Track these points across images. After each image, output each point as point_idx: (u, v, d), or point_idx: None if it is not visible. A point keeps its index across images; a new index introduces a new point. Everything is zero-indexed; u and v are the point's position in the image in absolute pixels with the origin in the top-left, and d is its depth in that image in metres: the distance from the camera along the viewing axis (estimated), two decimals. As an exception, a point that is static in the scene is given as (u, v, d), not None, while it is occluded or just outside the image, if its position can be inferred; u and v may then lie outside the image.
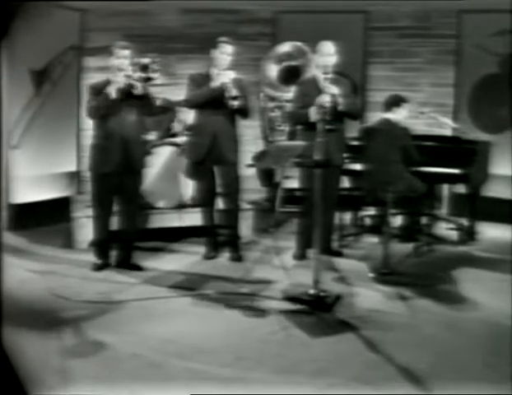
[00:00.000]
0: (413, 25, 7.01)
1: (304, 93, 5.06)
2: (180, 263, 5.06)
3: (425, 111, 6.00)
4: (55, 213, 6.15)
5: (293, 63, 5.59)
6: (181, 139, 5.89)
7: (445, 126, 6.28)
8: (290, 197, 6.54)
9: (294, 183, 6.49)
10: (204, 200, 5.22)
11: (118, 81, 4.54)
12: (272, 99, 6.31)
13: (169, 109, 6.08)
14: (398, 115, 5.24)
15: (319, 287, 4.13)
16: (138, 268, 4.84)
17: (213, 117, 4.97)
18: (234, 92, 4.83)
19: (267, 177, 6.54)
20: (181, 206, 5.72)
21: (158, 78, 4.59)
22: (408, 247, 5.41)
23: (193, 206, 5.69)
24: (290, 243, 5.44)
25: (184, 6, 6.84)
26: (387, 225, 4.97)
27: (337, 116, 4.90)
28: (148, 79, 4.56)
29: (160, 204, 5.70)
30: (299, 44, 5.24)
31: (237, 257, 5.16)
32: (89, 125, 6.17)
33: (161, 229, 5.62)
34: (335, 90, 4.89)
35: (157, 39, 6.68)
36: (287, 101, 6.14)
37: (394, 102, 5.28)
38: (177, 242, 5.67)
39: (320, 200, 5.07)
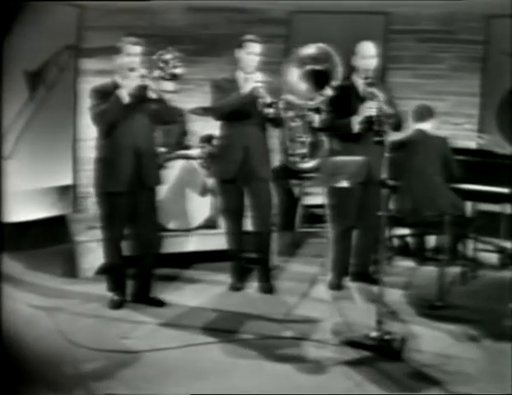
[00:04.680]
0: (437, 29, 6.48)
1: (341, 100, 4.49)
2: (205, 297, 4.42)
3: (459, 123, 5.50)
4: (50, 233, 5.47)
5: (318, 67, 5.04)
6: (196, 151, 5.27)
7: (473, 139, 5.81)
8: (311, 215, 6.00)
9: (314, 200, 5.97)
10: (232, 221, 4.57)
11: (130, 83, 3.86)
12: (293, 107, 5.69)
13: (180, 117, 5.45)
14: (432, 126, 4.75)
15: (383, 329, 3.56)
16: (159, 303, 4.19)
17: (244, 128, 4.36)
18: (268, 98, 4.21)
19: (288, 193, 5.95)
20: (197, 228, 5.08)
21: (183, 74, 3.92)
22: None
23: (211, 227, 5.08)
24: (315, 269, 4.98)
25: (191, 4, 6.19)
26: (446, 252, 4.42)
27: (381, 126, 4.37)
28: (172, 76, 3.88)
29: (173, 225, 5.04)
30: (324, 45, 4.68)
31: (268, 289, 4.54)
32: (87, 135, 5.55)
33: (175, 254, 4.95)
34: (380, 96, 4.34)
35: (162, 40, 5.99)
36: (310, 110, 5.58)
37: (427, 112, 4.76)
38: (194, 269, 5.04)
39: (359, 221, 4.59)
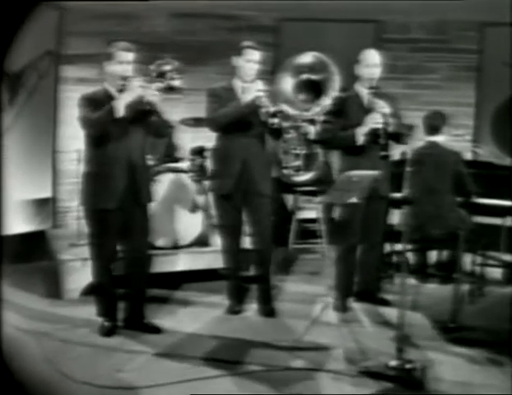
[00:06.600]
0: (430, 38, 6.30)
1: (344, 111, 4.26)
2: (201, 321, 4.08)
3: (460, 134, 5.30)
4: (28, 249, 5.10)
5: (313, 77, 4.81)
6: (186, 164, 4.96)
7: (469, 149, 5.64)
8: (304, 230, 5.72)
9: (308, 214, 5.71)
10: (229, 239, 4.25)
11: (126, 96, 3.55)
12: (288, 118, 5.42)
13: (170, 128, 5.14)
14: (446, 136, 4.51)
15: (404, 357, 3.27)
16: (156, 330, 3.84)
17: (242, 140, 4.07)
18: (272, 108, 3.93)
19: (281, 207, 5.67)
20: (187, 246, 4.75)
21: (181, 87, 3.64)
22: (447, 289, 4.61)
23: (203, 245, 4.77)
24: (313, 288, 4.73)
25: (176, 10, 5.87)
26: (458, 269, 4.18)
27: (387, 139, 4.15)
28: (171, 88, 3.58)
29: (161, 243, 4.71)
30: (320, 55, 4.46)
31: (270, 311, 4.22)
32: (67, 147, 5.19)
33: (163, 273, 4.59)
34: (386, 107, 4.12)
35: (146, 48, 5.69)
36: (305, 121, 5.32)
37: (440, 120, 4.51)
38: (185, 290, 4.71)
39: (364, 237, 4.33)
